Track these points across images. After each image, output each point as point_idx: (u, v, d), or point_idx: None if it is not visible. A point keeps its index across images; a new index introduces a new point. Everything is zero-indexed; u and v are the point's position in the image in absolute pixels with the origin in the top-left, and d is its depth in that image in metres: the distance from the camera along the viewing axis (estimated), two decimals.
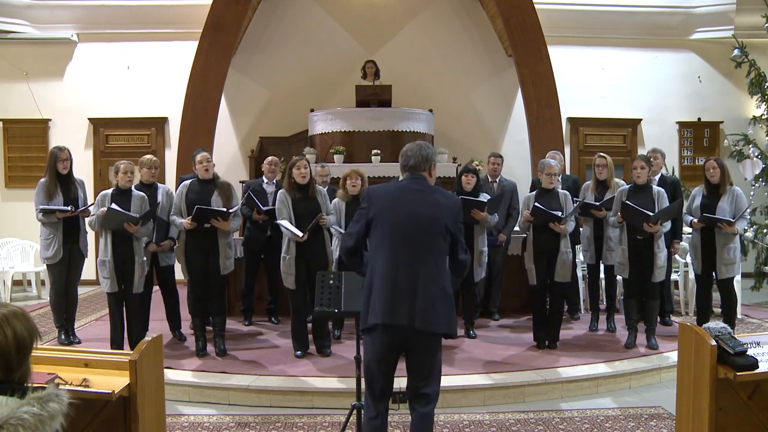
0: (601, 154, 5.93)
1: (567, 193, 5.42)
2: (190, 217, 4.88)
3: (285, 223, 4.93)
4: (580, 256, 6.45)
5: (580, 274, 6.73)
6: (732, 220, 5.21)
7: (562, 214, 5.17)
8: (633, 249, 5.20)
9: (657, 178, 6.04)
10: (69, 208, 5.46)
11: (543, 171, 5.34)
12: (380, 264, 2.91)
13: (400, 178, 3.18)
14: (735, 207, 5.29)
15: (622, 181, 5.88)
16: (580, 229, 6.09)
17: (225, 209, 4.97)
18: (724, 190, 5.33)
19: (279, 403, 4.41)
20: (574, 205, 5.51)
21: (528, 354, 5.17)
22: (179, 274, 5.54)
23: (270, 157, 6.47)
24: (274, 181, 6.30)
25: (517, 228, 6.24)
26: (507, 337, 5.76)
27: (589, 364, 4.89)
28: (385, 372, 2.96)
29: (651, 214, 4.99)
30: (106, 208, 4.91)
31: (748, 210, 5.41)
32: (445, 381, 4.47)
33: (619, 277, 5.86)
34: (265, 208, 5.85)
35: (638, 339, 5.35)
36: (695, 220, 5.41)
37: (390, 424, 3.93)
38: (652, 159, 5.87)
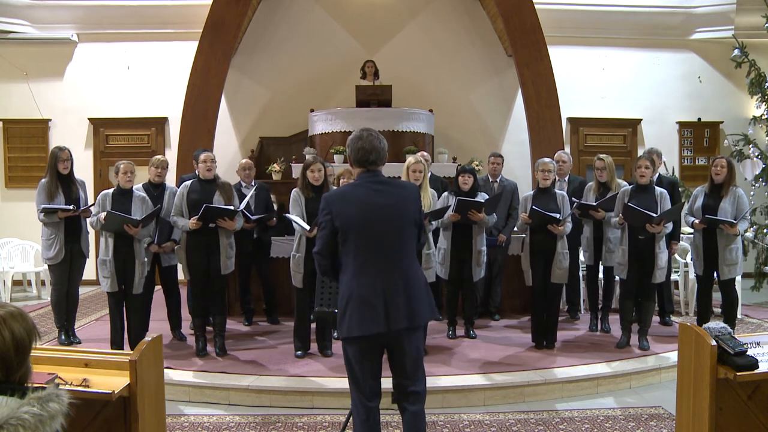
0: (601, 156, 5.89)
1: (564, 193, 5.41)
2: (196, 216, 4.88)
3: (295, 218, 4.95)
4: (582, 257, 6.44)
5: (581, 274, 6.73)
6: (734, 221, 5.20)
7: (560, 215, 5.17)
8: (634, 250, 5.19)
9: (655, 178, 6.04)
10: (71, 207, 5.46)
11: (538, 168, 5.33)
12: (355, 274, 2.87)
13: (352, 171, 3.00)
14: (737, 208, 5.27)
15: (625, 182, 5.86)
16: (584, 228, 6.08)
17: (231, 207, 4.98)
18: (727, 191, 5.31)
19: (279, 403, 4.40)
20: (573, 206, 5.52)
21: (528, 354, 5.17)
22: (181, 274, 5.54)
23: (244, 161, 6.43)
24: (252, 183, 6.26)
25: (516, 228, 6.24)
26: (507, 338, 5.76)
27: (589, 364, 4.89)
28: (372, 371, 2.95)
29: (654, 215, 4.98)
30: (105, 213, 4.91)
31: (749, 210, 5.39)
32: (445, 381, 4.51)
33: (617, 278, 5.86)
34: (254, 218, 5.83)
35: (632, 340, 5.34)
36: (697, 221, 5.40)
37: (390, 425, 3.94)
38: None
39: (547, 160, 5.41)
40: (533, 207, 5.14)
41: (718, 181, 5.36)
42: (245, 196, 5.77)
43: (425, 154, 6.17)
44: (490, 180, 6.44)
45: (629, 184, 5.48)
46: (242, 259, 6.14)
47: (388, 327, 2.84)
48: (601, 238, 5.78)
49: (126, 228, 4.92)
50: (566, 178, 6.28)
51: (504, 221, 6.28)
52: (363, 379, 2.94)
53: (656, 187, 5.27)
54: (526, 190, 5.89)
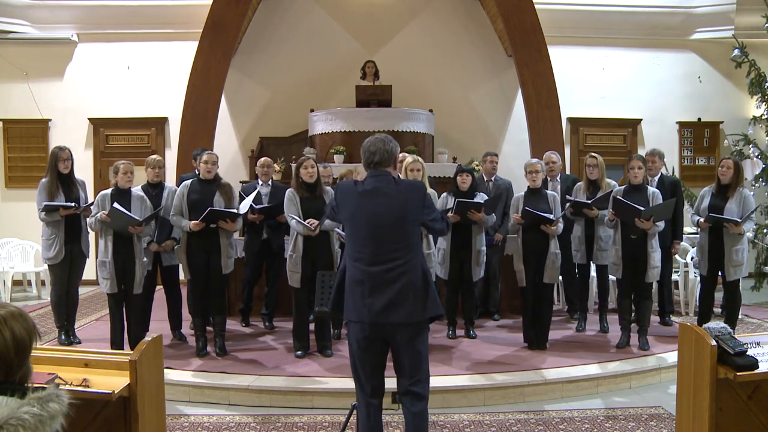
0: (592, 154, 5.91)
1: (555, 194, 5.42)
2: (200, 218, 4.88)
3: (295, 218, 4.95)
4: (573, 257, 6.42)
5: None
6: (738, 220, 5.21)
7: (552, 215, 5.17)
8: (627, 249, 5.18)
9: (656, 178, 6.04)
10: (72, 204, 5.46)
11: (526, 170, 5.36)
12: (352, 264, 3.01)
13: (363, 175, 3.19)
14: (743, 209, 5.28)
15: (614, 182, 5.88)
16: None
17: (235, 210, 4.99)
18: (734, 192, 5.31)
19: (279, 403, 4.41)
20: (566, 205, 5.52)
21: (527, 354, 5.17)
22: (182, 274, 5.53)
23: (263, 158, 6.39)
24: (270, 182, 6.23)
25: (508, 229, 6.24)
26: (507, 338, 5.76)
27: (588, 364, 4.89)
28: (370, 368, 3.01)
29: (642, 209, 4.99)
30: (107, 211, 4.91)
31: (754, 210, 5.40)
32: (445, 381, 4.51)
33: (612, 277, 5.85)
34: (258, 207, 5.80)
35: (632, 340, 5.34)
36: (701, 220, 5.40)
37: (390, 425, 3.94)
38: (649, 161, 5.87)
39: (534, 161, 5.47)
40: (526, 208, 5.15)
41: (724, 182, 5.37)
42: (259, 194, 5.82)
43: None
44: (485, 179, 6.45)
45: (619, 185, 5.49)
46: (251, 260, 6.13)
47: (369, 317, 2.92)
48: (592, 237, 5.77)
49: (130, 228, 4.93)
50: (558, 178, 6.29)
51: (500, 221, 6.27)
52: (363, 374, 3.03)
53: (648, 187, 5.28)
54: (524, 190, 5.90)
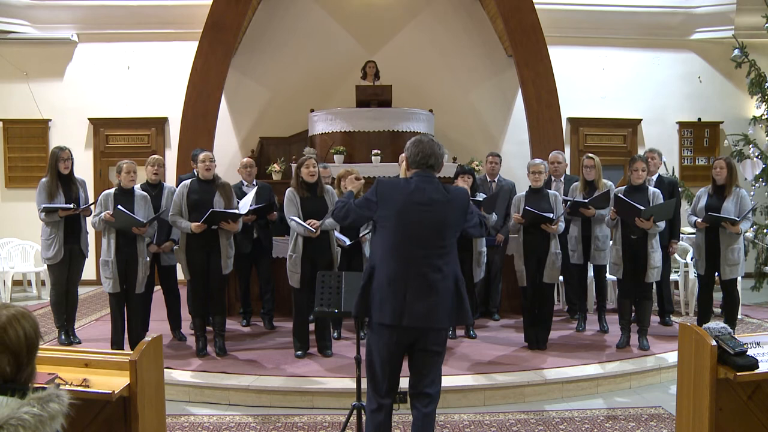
0: (589, 155, 5.92)
1: (557, 193, 5.43)
2: (201, 220, 4.87)
3: (296, 219, 4.94)
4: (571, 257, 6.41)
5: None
6: (736, 219, 5.22)
7: (554, 214, 5.17)
8: (627, 249, 5.19)
9: (654, 178, 6.05)
10: (71, 206, 5.46)
11: (529, 170, 5.37)
12: (389, 264, 2.90)
13: (406, 174, 3.06)
14: (739, 208, 5.29)
15: (610, 182, 5.88)
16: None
17: (237, 211, 4.99)
18: (730, 192, 5.32)
19: (279, 403, 4.41)
20: (566, 205, 5.52)
21: (528, 354, 5.17)
22: (180, 274, 5.53)
23: (245, 159, 6.41)
24: (254, 182, 6.24)
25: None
26: (507, 338, 5.76)
27: (588, 364, 4.89)
28: (390, 371, 2.97)
29: (643, 208, 4.99)
30: (111, 211, 4.91)
31: (751, 210, 5.41)
32: (445, 381, 4.46)
33: (612, 277, 5.85)
34: (252, 207, 5.79)
35: (632, 340, 5.34)
36: (699, 220, 5.41)
37: None
38: (649, 158, 5.87)
39: (537, 161, 5.47)
40: (526, 207, 5.15)
41: (719, 182, 5.38)
42: (246, 195, 5.75)
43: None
44: (488, 180, 6.45)
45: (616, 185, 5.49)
46: (242, 260, 6.12)
47: (399, 321, 2.86)
48: (589, 237, 5.78)
49: (134, 229, 4.94)
50: (562, 178, 6.29)
51: (502, 221, 6.28)
52: (384, 376, 2.96)
53: (649, 188, 5.28)
54: (525, 190, 5.90)
